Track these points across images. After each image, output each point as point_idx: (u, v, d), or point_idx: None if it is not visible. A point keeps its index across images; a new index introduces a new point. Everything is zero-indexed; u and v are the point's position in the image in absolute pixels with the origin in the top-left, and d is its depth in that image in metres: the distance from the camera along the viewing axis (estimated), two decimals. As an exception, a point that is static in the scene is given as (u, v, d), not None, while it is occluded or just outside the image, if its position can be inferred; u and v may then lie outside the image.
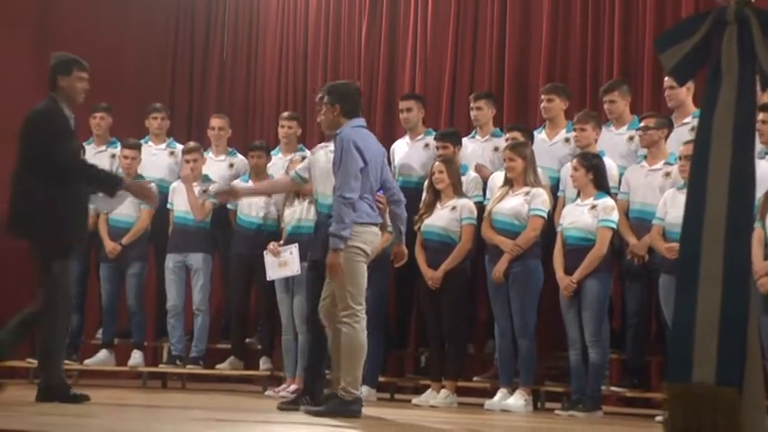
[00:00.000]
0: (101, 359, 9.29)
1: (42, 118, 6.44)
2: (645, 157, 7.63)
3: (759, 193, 6.41)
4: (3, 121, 10.31)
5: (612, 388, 7.69)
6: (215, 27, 11.81)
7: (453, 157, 8.10)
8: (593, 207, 7.36)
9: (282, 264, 8.12)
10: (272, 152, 9.15)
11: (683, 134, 7.48)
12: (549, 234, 7.63)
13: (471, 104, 8.64)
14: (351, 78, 10.62)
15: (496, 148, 8.38)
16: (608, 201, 7.38)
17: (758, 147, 6.67)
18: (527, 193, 7.54)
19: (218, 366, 9.12)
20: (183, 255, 9.04)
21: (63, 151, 6.33)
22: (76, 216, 6.48)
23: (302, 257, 7.75)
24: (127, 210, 9.10)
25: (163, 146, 9.68)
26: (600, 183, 7.45)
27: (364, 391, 7.08)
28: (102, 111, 9.69)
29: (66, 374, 9.30)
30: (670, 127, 7.60)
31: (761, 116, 6.80)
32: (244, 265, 8.87)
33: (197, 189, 8.97)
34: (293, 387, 8.12)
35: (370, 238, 6.20)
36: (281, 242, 8.26)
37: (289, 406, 6.59)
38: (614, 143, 8.00)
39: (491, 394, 7.72)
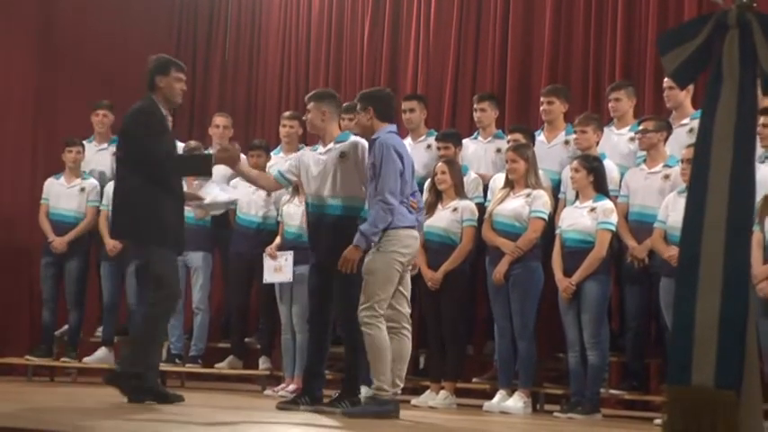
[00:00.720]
0: (100, 357, 9.30)
1: (139, 115, 6.55)
2: (644, 160, 7.64)
3: (758, 197, 6.42)
4: (2, 117, 10.37)
5: (612, 390, 7.68)
6: (217, 26, 11.82)
7: (455, 157, 8.11)
8: (593, 209, 7.36)
9: (278, 269, 8.17)
10: (274, 152, 9.15)
11: (681, 136, 7.50)
12: (549, 236, 7.63)
13: (475, 105, 8.63)
14: (352, 78, 10.67)
15: (499, 150, 8.38)
16: (607, 203, 7.38)
17: (758, 151, 6.68)
18: (528, 195, 7.54)
19: (217, 365, 9.13)
20: (183, 254, 9.00)
21: (157, 148, 6.42)
22: (177, 217, 6.59)
23: (302, 261, 7.70)
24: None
25: (164, 144, 9.68)
26: (599, 185, 7.45)
27: (363, 391, 7.08)
28: (105, 108, 9.72)
29: (65, 372, 9.42)
30: (669, 130, 7.59)
31: (762, 120, 6.81)
32: (243, 265, 8.87)
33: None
34: (292, 387, 8.13)
35: (410, 242, 6.27)
36: (279, 240, 8.30)
37: (287, 405, 6.61)
38: (615, 143, 8.00)
39: (490, 396, 7.73)
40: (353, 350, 6.61)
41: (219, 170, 9.29)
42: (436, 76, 10.08)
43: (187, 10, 11.91)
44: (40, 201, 9.51)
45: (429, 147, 8.57)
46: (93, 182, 9.42)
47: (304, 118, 6.69)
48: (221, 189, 7.70)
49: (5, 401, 6.43)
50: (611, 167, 7.72)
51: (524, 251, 7.47)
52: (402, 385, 6.35)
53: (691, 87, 7.53)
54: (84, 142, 9.58)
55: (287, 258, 8.12)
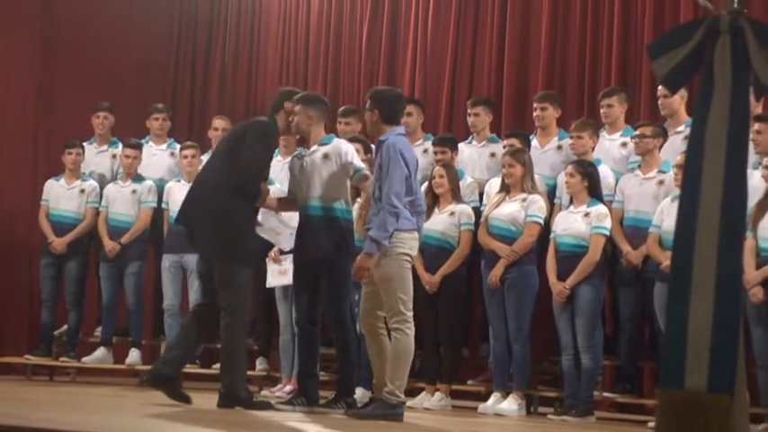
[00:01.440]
0: (98, 357, 9.32)
1: (262, 125, 6.74)
2: (639, 165, 7.69)
3: (751, 203, 6.48)
4: (3, 118, 10.40)
5: (605, 393, 7.71)
6: (217, 30, 11.84)
7: (452, 162, 8.16)
8: (587, 214, 7.41)
9: (282, 272, 8.15)
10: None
11: (676, 143, 7.54)
12: (545, 240, 7.68)
13: (468, 110, 8.67)
14: (350, 82, 10.71)
15: (493, 154, 8.43)
16: (601, 208, 7.43)
17: (751, 157, 6.72)
18: (524, 200, 7.57)
19: (214, 366, 9.13)
20: (179, 255, 8.99)
21: (257, 159, 6.57)
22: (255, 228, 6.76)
23: None
24: (126, 209, 9.16)
25: (164, 146, 9.73)
26: (594, 190, 7.50)
27: (359, 392, 7.12)
28: (105, 110, 9.74)
29: (64, 372, 9.45)
30: (665, 136, 7.64)
31: (755, 126, 6.83)
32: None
33: None
34: (289, 387, 8.14)
35: (414, 244, 6.31)
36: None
37: (284, 406, 6.63)
38: (606, 148, 8.03)
39: (485, 398, 7.75)
40: (343, 351, 6.67)
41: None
42: (433, 81, 10.13)
43: (187, 14, 11.92)
44: (40, 201, 9.54)
45: (426, 151, 8.59)
46: (92, 183, 9.45)
47: (290, 119, 6.75)
48: (279, 221, 7.59)
49: (4, 400, 6.47)
50: (606, 173, 7.77)
51: (520, 255, 7.53)
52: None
53: (685, 95, 7.59)
54: (85, 144, 9.61)
55: (291, 262, 8.11)
